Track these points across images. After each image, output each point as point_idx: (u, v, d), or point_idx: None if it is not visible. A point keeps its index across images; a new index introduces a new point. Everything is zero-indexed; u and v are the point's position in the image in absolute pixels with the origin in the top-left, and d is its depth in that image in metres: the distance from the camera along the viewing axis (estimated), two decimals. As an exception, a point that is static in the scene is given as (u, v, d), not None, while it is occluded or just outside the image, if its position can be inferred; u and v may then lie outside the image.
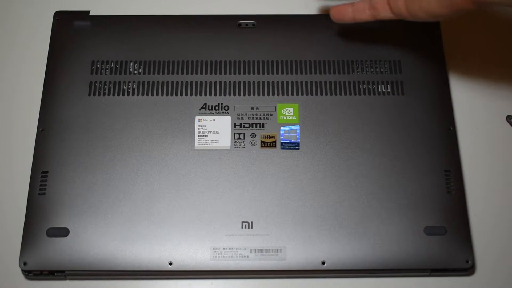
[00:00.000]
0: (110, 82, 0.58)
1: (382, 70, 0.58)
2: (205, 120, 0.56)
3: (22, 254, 0.51)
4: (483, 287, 0.53)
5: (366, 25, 0.61)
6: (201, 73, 0.58)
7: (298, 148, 0.55)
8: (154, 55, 0.59)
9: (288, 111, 0.57)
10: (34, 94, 0.59)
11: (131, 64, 0.59)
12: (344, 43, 0.60)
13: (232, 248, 0.52)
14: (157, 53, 0.59)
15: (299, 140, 0.56)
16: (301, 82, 0.58)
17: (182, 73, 0.58)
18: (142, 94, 0.57)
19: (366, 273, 0.52)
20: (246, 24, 0.61)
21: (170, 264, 0.51)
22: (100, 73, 0.58)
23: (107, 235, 0.52)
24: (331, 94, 0.57)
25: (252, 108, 0.57)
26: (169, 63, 0.59)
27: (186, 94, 0.57)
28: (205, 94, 0.57)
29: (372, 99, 0.57)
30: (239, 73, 0.58)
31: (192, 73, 0.58)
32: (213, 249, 0.52)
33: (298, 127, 0.56)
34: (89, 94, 0.57)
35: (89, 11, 0.61)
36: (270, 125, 0.56)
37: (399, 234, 0.52)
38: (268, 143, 0.56)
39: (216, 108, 0.57)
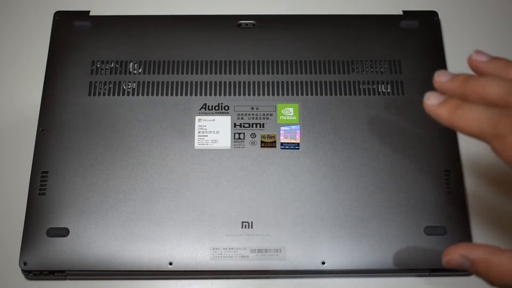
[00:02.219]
0: (110, 82, 0.58)
1: (382, 70, 0.59)
2: (205, 120, 0.56)
3: (22, 254, 0.51)
4: (483, 287, 0.53)
5: (366, 25, 0.61)
6: (201, 73, 0.58)
7: (298, 148, 0.55)
8: (154, 55, 0.59)
9: (288, 111, 0.57)
10: (34, 94, 0.59)
11: (131, 64, 0.59)
12: (344, 43, 0.60)
13: (232, 248, 0.52)
14: (157, 53, 0.59)
15: (299, 140, 0.56)
16: (301, 82, 0.58)
17: (182, 73, 0.58)
18: (142, 94, 0.57)
19: (366, 273, 0.52)
20: (246, 24, 0.61)
21: (170, 264, 0.51)
22: (100, 73, 0.58)
23: (107, 235, 0.52)
24: (331, 94, 0.57)
25: (252, 108, 0.57)
26: (169, 63, 0.59)
27: (186, 94, 0.57)
28: (205, 94, 0.57)
29: (372, 99, 0.57)
30: (239, 73, 0.58)
31: (192, 73, 0.58)
32: (213, 249, 0.52)
33: (298, 127, 0.56)
34: (89, 94, 0.57)
35: (89, 11, 0.61)
36: (270, 125, 0.56)
37: (399, 234, 0.52)
38: (268, 143, 0.56)
39: (216, 108, 0.57)
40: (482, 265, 0.38)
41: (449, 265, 0.39)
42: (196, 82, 0.58)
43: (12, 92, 0.61)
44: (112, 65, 0.59)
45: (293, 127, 0.56)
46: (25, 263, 0.51)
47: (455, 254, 0.39)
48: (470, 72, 0.41)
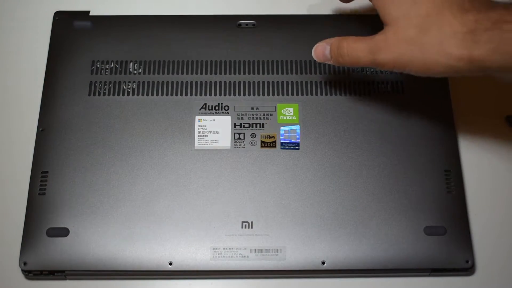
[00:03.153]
0: (110, 82, 0.58)
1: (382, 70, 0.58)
2: (205, 120, 0.56)
3: (22, 254, 0.51)
4: (483, 287, 0.53)
5: (366, 25, 0.61)
6: (201, 73, 0.58)
7: (298, 148, 0.55)
8: (154, 55, 0.59)
9: (288, 111, 0.57)
10: (34, 94, 0.59)
11: (131, 64, 0.59)
12: (344, 43, 0.59)
13: (232, 248, 0.52)
14: (157, 53, 0.59)
15: (299, 140, 0.56)
16: (301, 82, 0.58)
17: (182, 73, 0.58)
18: (142, 94, 0.57)
19: (366, 273, 0.52)
20: (246, 24, 0.61)
21: (170, 264, 0.51)
22: (100, 73, 0.58)
23: (107, 235, 0.52)
24: (331, 94, 0.57)
25: (252, 108, 0.57)
26: (169, 63, 0.59)
27: (186, 94, 0.57)
28: (205, 94, 0.57)
29: (372, 99, 0.57)
30: (239, 73, 0.58)
31: (192, 73, 0.58)
32: (213, 249, 0.52)
33: (298, 127, 0.56)
34: (89, 94, 0.57)
35: (89, 11, 0.61)
36: (270, 125, 0.56)
37: (399, 234, 0.52)
38: (268, 143, 0.56)
39: (216, 108, 0.57)
40: (334, 45, 0.51)
41: (316, 54, 0.53)
42: (196, 82, 0.58)
43: (12, 92, 0.61)
44: (112, 65, 0.59)
45: (293, 127, 0.56)
46: (25, 263, 0.51)
47: (319, 45, 0.52)
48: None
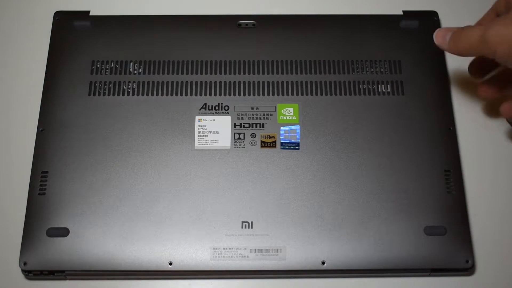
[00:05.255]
0: (110, 82, 0.58)
1: (382, 70, 0.59)
2: (205, 120, 0.56)
3: (22, 254, 0.51)
4: (483, 287, 0.53)
5: (366, 25, 0.61)
6: (201, 73, 0.58)
7: (298, 148, 0.55)
8: (154, 55, 0.59)
9: (288, 111, 0.57)
10: (34, 94, 0.59)
11: (131, 64, 0.59)
12: (344, 43, 0.60)
13: (232, 248, 0.52)
14: (157, 53, 0.59)
15: (299, 140, 0.56)
16: (301, 82, 0.58)
17: (182, 73, 0.58)
18: (142, 94, 0.57)
19: (366, 273, 0.52)
20: (246, 24, 0.61)
21: (170, 264, 0.51)
22: (100, 73, 0.58)
23: (107, 235, 0.52)
24: (331, 94, 0.57)
25: (252, 108, 0.57)
26: (169, 63, 0.59)
27: (186, 94, 0.57)
28: (205, 94, 0.57)
29: (372, 99, 0.57)
30: (239, 73, 0.58)
31: (192, 73, 0.58)
32: (213, 249, 0.52)
33: (298, 127, 0.56)
34: (89, 94, 0.57)
35: (89, 11, 0.61)
36: (270, 125, 0.56)
37: (399, 234, 0.52)
38: (268, 143, 0.56)
39: (216, 108, 0.57)
40: (456, 34, 0.50)
41: (437, 40, 0.52)
42: (196, 82, 0.58)
43: (12, 92, 0.61)
44: (112, 65, 0.59)
45: (293, 127, 0.56)
46: (25, 263, 0.51)
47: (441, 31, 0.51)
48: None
